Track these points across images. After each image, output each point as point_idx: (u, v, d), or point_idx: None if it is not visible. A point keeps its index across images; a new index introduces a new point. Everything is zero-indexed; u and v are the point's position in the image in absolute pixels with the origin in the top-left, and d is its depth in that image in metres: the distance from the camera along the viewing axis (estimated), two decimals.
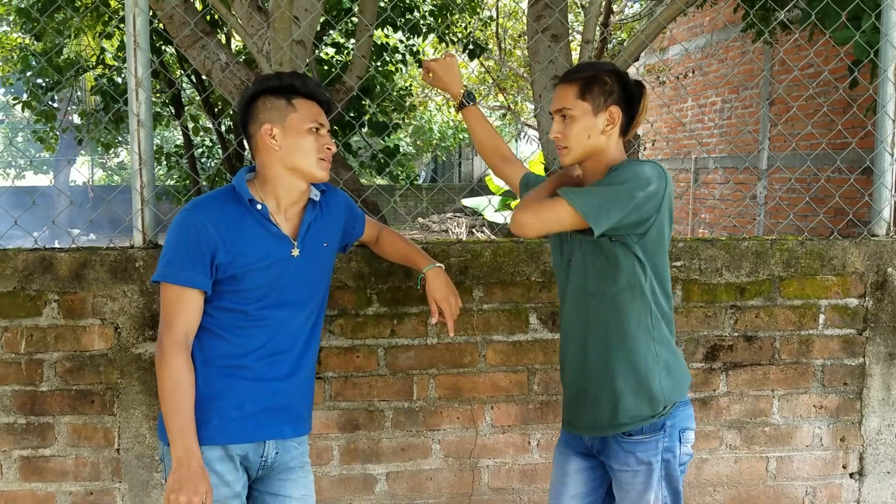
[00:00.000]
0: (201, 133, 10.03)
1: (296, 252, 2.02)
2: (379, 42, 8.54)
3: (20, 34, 9.03)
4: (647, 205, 1.89)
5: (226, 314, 1.98)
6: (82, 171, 26.79)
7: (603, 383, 2.02)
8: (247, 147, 2.13)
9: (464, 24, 10.06)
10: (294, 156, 1.99)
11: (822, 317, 2.89)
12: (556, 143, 2.03)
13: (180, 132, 10.33)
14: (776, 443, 2.92)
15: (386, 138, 7.83)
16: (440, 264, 2.28)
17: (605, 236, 1.93)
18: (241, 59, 4.87)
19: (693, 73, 11.42)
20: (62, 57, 8.16)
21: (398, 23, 7.47)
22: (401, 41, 9.00)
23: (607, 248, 1.95)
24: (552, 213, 1.90)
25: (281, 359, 2.04)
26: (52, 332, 2.59)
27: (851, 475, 2.97)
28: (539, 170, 7.08)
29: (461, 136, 22.95)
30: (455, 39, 8.90)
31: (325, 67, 7.48)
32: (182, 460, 1.88)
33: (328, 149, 2.03)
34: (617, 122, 1.99)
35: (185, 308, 1.94)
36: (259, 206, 1.99)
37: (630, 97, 2.01)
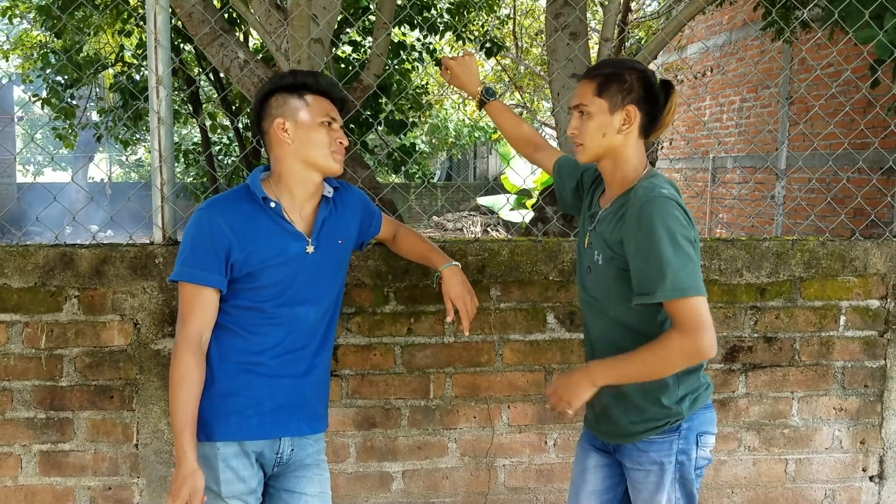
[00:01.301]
0: (219, 131, 10.08)
1: (310, 249, 2.03)
2: (396, 40, 8.55)
3: (40, 31, 9.11)
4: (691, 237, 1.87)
5: (242, 312, 1.99)
6: (101, 167, 27.00)
7: (622, 400, 2.00)
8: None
9: (481, 23, 10.05)
10: (306, 149, 1.99)
11: (842, 318, 2.87)
12: (573, 140, 2.01)
13: (198, 130, 10.37)
14: (795, 445, 2.89)
15: (402, 137, 7.83)
16: (456, 263, 2.28)
17: (627, 270, 1.90)
18: (259, 57, 4.89)
19: (712, 71, 11.35)
20: (81, 54, 8.22)
21: (415, 21, 7.47)
22: (418, 39, 9.00)
23: (624, 284, 1.92)
24: (702, 316, 1.79)
25: (297, 356, 2.04)
26: (72, 327, 2.61)
27: (871, 478, 2.94)
28: None
29: (477, 135, 22.95)
30: (472, 37, 8.90)
31: (343, 66, 7.49)
32: (177, 459, 1.91)
33: (340, 142, 2.03)
34: (634, 122, 1.94)
35: (200, 306, 1.95)
36: (273, 204, 2.00)
37: (653, 97, 1.95)
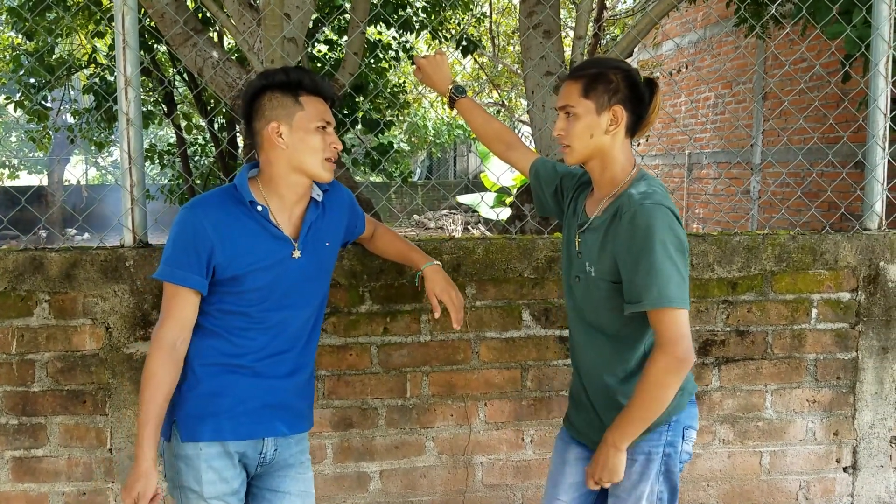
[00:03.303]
0: (194, 131, 10.00)
1: (297, 254, 2.00)
2: (372, 39, 8.52)
3: (12, 34, 8.99)
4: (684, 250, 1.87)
5: (228, 316, 1.97)
6: (75, 171, 26.78)
7: (609, 409, 1.99)
8: (239, 145, 2.12)
9: (457, 21, 10.05)
10: (301, 155, 1.96)
11: (814, 311, 2.90)
12: (560, 141, 1.99)
13: (173, 130, 10.30)
14: (769, 437, 2.92)
15: (379, 135, 7.80)
16: (438, 262, 2.27)
17: (619, 283, 1.90)
18: (232, 57, 4.86)
19: (686, 68, 11.42)
20: (54, 56, 8.12)
21: (391, 20, 7.46)
22: (394, 38, 8.99)
23: (618, 297, 1.91)
24: (681, 328, 1.80)
25: (282, 358, 2.03)
26: (43, 332, 2.58)
27: (845, 469, 2.97)
28: None
29: (456, 133, 22.95)
30: (448, 36, 8.90)
31: (318, 65, 7.46)
32: (136, 457, 1.90)
33: (334, 147, 2.00)
34: (621, 122, 1.92)
35: (178, 306, 1.93)
36: (260, 208, 1.97)
37: (638, 96, 1.94)
